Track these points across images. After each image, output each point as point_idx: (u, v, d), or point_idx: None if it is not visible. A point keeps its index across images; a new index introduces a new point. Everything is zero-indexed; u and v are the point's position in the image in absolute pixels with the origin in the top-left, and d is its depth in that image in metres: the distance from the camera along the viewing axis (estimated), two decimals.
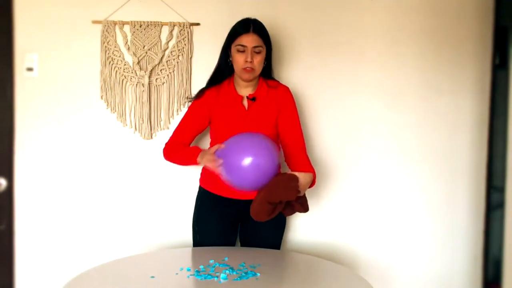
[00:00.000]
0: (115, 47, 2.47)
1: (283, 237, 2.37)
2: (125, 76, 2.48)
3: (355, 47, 2.52)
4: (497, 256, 2.47)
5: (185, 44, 2.47)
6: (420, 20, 2.52)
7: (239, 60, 2.12)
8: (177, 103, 2.49)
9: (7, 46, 2.41)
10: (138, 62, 2.47)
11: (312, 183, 2.10)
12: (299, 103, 2.38)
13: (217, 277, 1.75)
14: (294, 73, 2.51)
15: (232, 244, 2.29)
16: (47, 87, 2.47)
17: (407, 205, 2.58)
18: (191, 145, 2.26)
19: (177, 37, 2.47)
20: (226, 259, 1.96)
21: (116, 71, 2.47)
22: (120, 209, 2.52)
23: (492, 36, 2.52)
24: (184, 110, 2.45)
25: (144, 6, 2.46)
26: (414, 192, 2.58)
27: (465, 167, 2.57)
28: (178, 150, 2.21)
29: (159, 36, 2.47)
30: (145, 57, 2.48)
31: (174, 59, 2.48)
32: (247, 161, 1.87)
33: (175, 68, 2.49)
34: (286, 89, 2.26)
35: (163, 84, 2.49)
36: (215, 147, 2.02)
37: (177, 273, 1.80)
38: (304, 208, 2.05)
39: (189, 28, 2.47)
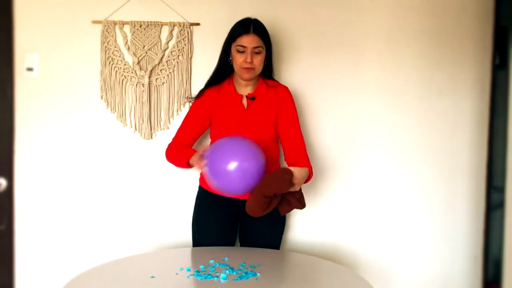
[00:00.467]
0: (115, 47, 2.47)
1: (283, 237, 2.37)
2: (125, 76, 2.48)
3: (355, 47, 2.52)
4: (497, 256, 2.47)
5: (185, 44, 2.47)
6: (420, 20, 2.52)
7: (239, 60, 2.12)
8: (177, 103, 2.49)
9: (7, 46, 2.41)
10: (138, 62, 2.47)
11: (308, 178, 2.10)
12: (299, 103, 2.38)
13: (217, 277, 1.76)
14: (294, 73, 2.51)
15: (231, 244, 2.29)
16: (47, 87, 2.47)
17: (407, 205, 2.58)
18: (193, 147, 2.27)
19: (177, 37, 2.47)
20: (226, 259, 1.96)
21: (116, 71, 2.47)
22: (120, 209, 2.52)
23: (492, 36, 2.52)
24: (184, 110, 2.45)
25: (144, 6, 2.46)
26: (414, 192, 2.58)
27: (465, 167, 2.57)
28: (177, 152, 2.22)
29: (159, 36, 2.47)
30: (145, 57, 2.48)
31: (174, 59, 2.48)
32: (229, 166, 1.88)
33: (175, 68, 2.49)
34: (286, 89, 2.26)
35: (163, 84, 2.49)
36: (202, 148, 2.04)
37: (177, 273, 1.80)
38: (301, 204, 2.04)
39: (189, 28, 2.47)
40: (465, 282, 2.60)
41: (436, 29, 2.52)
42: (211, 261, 1.92)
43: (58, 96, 2.48)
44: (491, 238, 2.56)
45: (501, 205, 2.13)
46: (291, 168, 1.97)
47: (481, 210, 2.58)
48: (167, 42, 2.47)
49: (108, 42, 2.46)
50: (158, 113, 2.50)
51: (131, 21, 2.45)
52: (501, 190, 2.11)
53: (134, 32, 2.46)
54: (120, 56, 2.47)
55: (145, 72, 2.47)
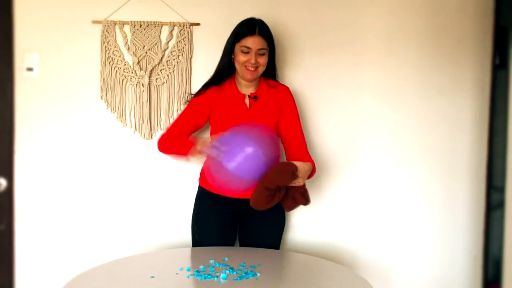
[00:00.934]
0: (115, 47, 2.47)
1: (283, 237, 2.37)
2: (125, 76, 2.48)
3: (355, 47, 2.52)
4: (497, 256, 2.47)
5: (185, 44, 2.47)
6: (420, 20, 2.52)
7: (242, 61, 2.12)
8: (177, 103, 2.49)
9: (7, 46, 2.41)
10: (138, 62, 2.47)
11: (312, 173, 2.10)
12: (299, 103, 2.38)
13: (217, 277, 1.75)
14: (294, 73, 2.51)
15: (231, 243, 2.29)
16: (47, 87, 2.47)
17: (407, 205, 2.58)
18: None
19: (177, 37, 2.47)
20: (226, 259, 1.96)
21: (116, 71, 2.47)
22: (120, 209, 2.52)
23: (492, 36, 2.52)
24: None
25: (144, 6, 2.46)
26: (414, 192, 2.57)
27: (465, 167, 2.57)
28: (175, 141, 2.19)
29: (159, 36, 2.47)
30: (145, 57, 2.48)
31: (174, 59, 2.48)
32: (250, 150, 1.86)
33: (175, 68, 2.49)
34: (286, 88, 2.27)
35: (163, 84, 2.49)
36: (217, 135, 2.00)
37: (177, 273, 1.80)
38: (305, 199, 2.03)
39: (189, 28, 2.47)
40: (465, 282, 2.60)
41: (436, 29, 2.52)
42: (211, 261, 1.92)
43: (58, 96, 2.48)
44: (491, 238, 2.56)
45: (501, 205, 2.13)
46: (294, 162, 1.97)
47: (481, 210, 2.58)
48: (167, 42, 2.47)
49: (108, 42, 2.46)
50: (158, 113, 2.50)
51: (131, 21, 2.45)
52: (501, 190, 2.11)
53: (134, 32, 2.46)
54: (120, 56, 2.47)
55: (145, 72, 2.47)
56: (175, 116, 2.48)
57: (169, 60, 2.48)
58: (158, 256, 2.14)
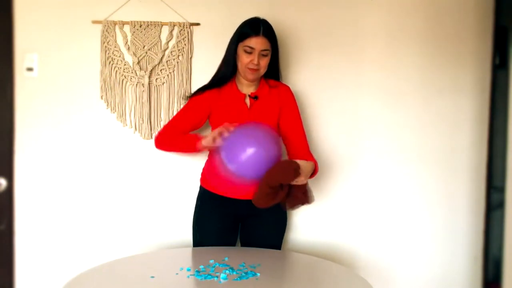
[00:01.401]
0: (115, 47, 2.47)
1: (284, 237, 2.37)
2: (125, 76, 2.48)
3: (355, 47, 2.52)
4: (497, 256, 2.47)
5: (185, 44, 2.47)
6: (420, 20, 2.52)
7: (245, 61, 2.12)
8: (177, 103, 2.49)
9: (7, 46, 2.41)
10: (138, 62, 2.47)
11: (315, 172, 2.10)
12: (299, 102, 2.37)
13: (217, 277, 1.75)
14: (294, 73, 2.51)
15: (232, 244, 2.29)
16: (47, 87, 2.47)
17: (407, 205, 2.58)
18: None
19: (177, 37, 2.47)
20: (226, 259, 1.96)
21: (116, 71, 2.47)
22: (120, 209, 2.52)
23: (492, 36, 2.52)
24: None
25: (144, 6, 2.46)
26: (414, 192, 2.57)
27: (465, 167, 2.57)
28: (176, 137, 2.19)
29: (159, 36, 2.47)
30: (145, 57, 2.48)
31: (174, 59, 2.48)
32: (252, 150, 1.87)
33: (175, 68, 2.49)
34: (287, 88, 2.27)
35: (163, 84, 2.49)
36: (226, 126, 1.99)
37: (177, 273, 1.80)
38: (308, 198, 2.02)
39: (189, 28, 2.47)
40: (465, 282, 2.60)
41: (436, 29, 2.52)
42: (211, 261, 1.92)
43: (58, 96, 2.48)
44: (491, 238, 2.56)
45: (501, 205, 2.13)
46: (297, 160, 1.97)
47: (481, 210, 2.58)
48: (167, 42, 2.47)
49: (108, 42, 2.46)
50: (158, 113, 2.50)
51: (131, 21, 2.45)
52: (501, 190, 2.11)
53: (134, 32, 2.46)
54: (120, 56, 2.47)
55: (145, 72, 2.47)
56: None
57: (169, 60, 2.48)
58: (158, 256, 2.13)
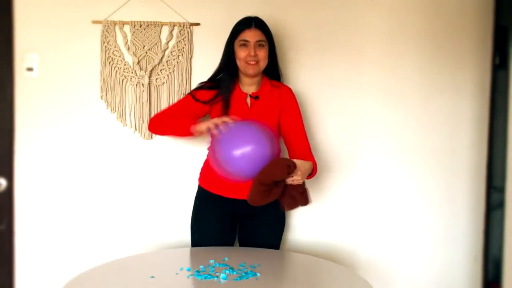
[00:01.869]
0: (115, 47, 2.47)
1: (283, 237, 2.37)
2: (125, 76, 2.48)
3: (356, 47, 2.52)
4: (497, 256, 2.47)
5: (185, 44, 2.47)
6: (420, 20, 2.52)
7: (242, 55, 2.12)
8: None
9: (7, 46, 2.41)
10: (138, 62, 2.47)
11: (313, 172, 2.11)
12: (299, 102, 2.37)
13: (217, 277, 1.75)
14: (294, 73, 2.50)
15: (230, 244, 2.29)
16: (47, 87, 2.47)
17: (407, 205, 2.58)
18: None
19: (177, 37, 2.47)
20: (226, 259, 1.96)
21: (116, 71, 2.47)
22: (120, 209, 2.52)
23: (492, 36, 2.52)
24: None
25: (144, 6, 2.46)
26: (414, 192, 2.57)
27: (465, 167, 2.57)
28: (172, 118, 2.17)
29: (159, 36, 2.47)
30: (145, 57, 2.48)
31: (174, 59, 2.48)
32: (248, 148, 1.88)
33: (175, 68, 2.49)
34: (289, 89, 2.27)
35: (163, 84, 2.49)
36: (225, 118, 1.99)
37: (177, 273, 1.80)
38: (305, 199, 2.01)
39: (189, 28, 2.47)
40: (465, 282, 2.60)
41: (436, 29, 2.52)
42: (211, 261, 1.92)
43: (58, 96, 2.48)
44: (491, 238, 2.56)
45: (501, 205, 2.13)
46: (294, 160, 1.96)
47: (481, 210, 2.58)
48: (167, 42, 2.47)
49: (108, 42, 2.46)
50: None
51: (131, 21, 2.45)
52: (501, 190, 2.11)
53: (134, 32, 2.46)
54: (120, 56, 2.47)
55: (145, 72, 2.47)
56: None
57: (169, 60, 2.48)
58: (158, 256, 2.14)
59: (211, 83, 2.22)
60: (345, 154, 2.55)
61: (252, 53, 2.11)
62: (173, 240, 2.51)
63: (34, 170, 2.49)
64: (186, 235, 2.42)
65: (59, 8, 2.45)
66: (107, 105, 2.48)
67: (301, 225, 2.56)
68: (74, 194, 2.51)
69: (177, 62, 2.48)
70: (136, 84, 2.48)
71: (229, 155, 1.89)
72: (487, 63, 2.54)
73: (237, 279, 1.74)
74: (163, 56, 2.47)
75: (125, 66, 2.47)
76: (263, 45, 2.14)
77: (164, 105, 2.48)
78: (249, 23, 2.13)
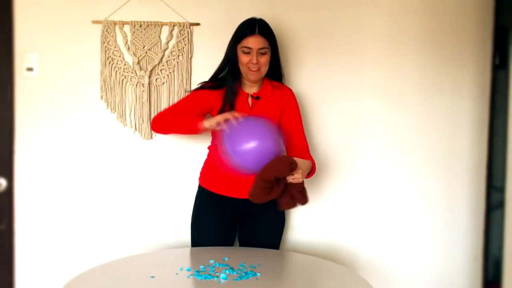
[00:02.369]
0: (115, 47, 2.47)
1: (283, 237, 2.37)
2: (125, 76, 2.48)
3: (356, 47, 2.52)
4: (497, 256, 2.47)
5: (185, 44, 2.47)
6: (420, 20, 2.52)
7: (244, 61, 2.12)
8: None
9: (7, 46, 2.41)
10: (138, 62, 2.47)
11: (312, 171, 2.11)
12: (300, 102, 2.37)
13: (217, 277, 1.76)
14: (294, 73, 2.50)
15: (230, 243, 2.29)
16: (47, 87, 2.47)
17: (407, 205, 2.58)
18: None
19: (177, 37, 2.47)
20: (226, 259, 1.96)
21: (116, 71, 2.47)
22: (120, 209, 2.52)
23: (492, 36, 2.52)
24: None
25: (144, 6, 2.46)
26: (414, 192, 2.57)
27: (465, 167, 2.57)
28: (176, 115, 2.17)
29: (159, 36, 2.47)
30: (145, 57, 2.48)
31: (174, 59, 2.48)
32: (254, 143, 1.89)
33: (175, 68, 2.49)
34: (290, 90, 2.28)
35: (163, 84, 2.49)
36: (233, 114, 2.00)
37: (177, 273, 1.80)
38: (304, 198, 2.02)
39: (189, 28, 2.47)
40: (465, 282, 2.60)
41: (436, 29, 2.52)
42: (211, 261, 1.92)
43: (58, 96, 2.48)
44: (491, 238, 2.56)
45: (501, 205, 2.13)
46: (294, 158, 1.97)
47: (481, 210, 2.58)
48: (167, 42, 2.47)
49: (108, 42, 2.46)
50: None
51: (131, 21, 2.45)
52: (501, 190, 2.11)
53: (134, 32, 2.46)
54: (120, 56, 2.47)
55: (145, 72, 2.47)
56: None
57: (169, 60, 2.48)
58: (158, 256, 2.14)
59: (213, 83, 2.22)
60: (345, 154, 2.55)
61: (254, 61, 2.10)
62: (173, 240, 2.51)
63: (34, 170, 2.49)
64: (186, 235, 2.42)
65: (59, 8, 2.45)
66: (107, 105, 2.48)
67: (301, 225, 2.56)
68: (74, 194, 2.51)
69: (177, 62, 2.48)
70: (136, 84, 2.48)
71: (238, 149, 1.90)
72: (487, 63, 2.54)
73: (237, 279, 1.74)
74: (163, 56, 2.47)
75: (125, 66, 2.47)
76: (265, 52, 2.13)
77: (164, 105, 2.48)
78: (253, 28, 2.11)
